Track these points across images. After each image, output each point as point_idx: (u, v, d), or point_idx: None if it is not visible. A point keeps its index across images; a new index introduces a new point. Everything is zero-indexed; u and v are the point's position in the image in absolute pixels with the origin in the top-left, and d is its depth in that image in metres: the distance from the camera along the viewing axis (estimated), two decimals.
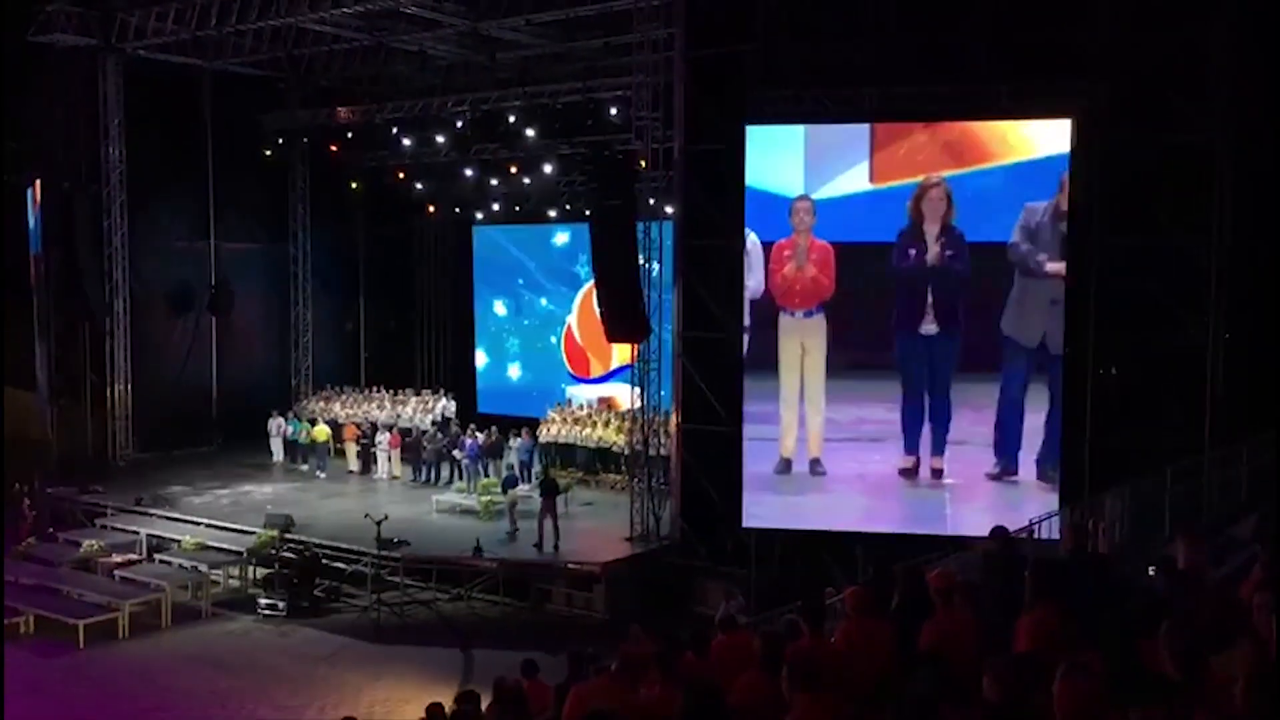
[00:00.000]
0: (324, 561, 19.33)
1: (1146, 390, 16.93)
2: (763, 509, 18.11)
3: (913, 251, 17.31)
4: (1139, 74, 16.39)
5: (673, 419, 20.14)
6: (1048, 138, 16.92)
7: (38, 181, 25.14)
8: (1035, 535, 11.80)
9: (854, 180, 17.56)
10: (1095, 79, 16.60)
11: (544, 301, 29.93)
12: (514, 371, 30.41)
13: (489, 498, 21.70)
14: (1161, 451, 13.98)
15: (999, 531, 8.19)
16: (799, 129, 18.03)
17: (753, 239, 18.05)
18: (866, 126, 17.66)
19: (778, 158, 17.96)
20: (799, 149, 17.92)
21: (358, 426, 26.10)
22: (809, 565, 16.37)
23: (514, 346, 30.51)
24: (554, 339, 29.62)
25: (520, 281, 30.32)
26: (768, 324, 18.15)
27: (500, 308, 30.69)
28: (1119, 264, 16.88)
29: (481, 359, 30.96)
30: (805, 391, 18.06)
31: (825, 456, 18.01)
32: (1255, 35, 15.89)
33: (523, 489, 22.35)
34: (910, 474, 17.57)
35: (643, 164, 19.91)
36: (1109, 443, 16.36)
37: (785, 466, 18.19)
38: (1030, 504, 16.10)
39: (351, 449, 25.81)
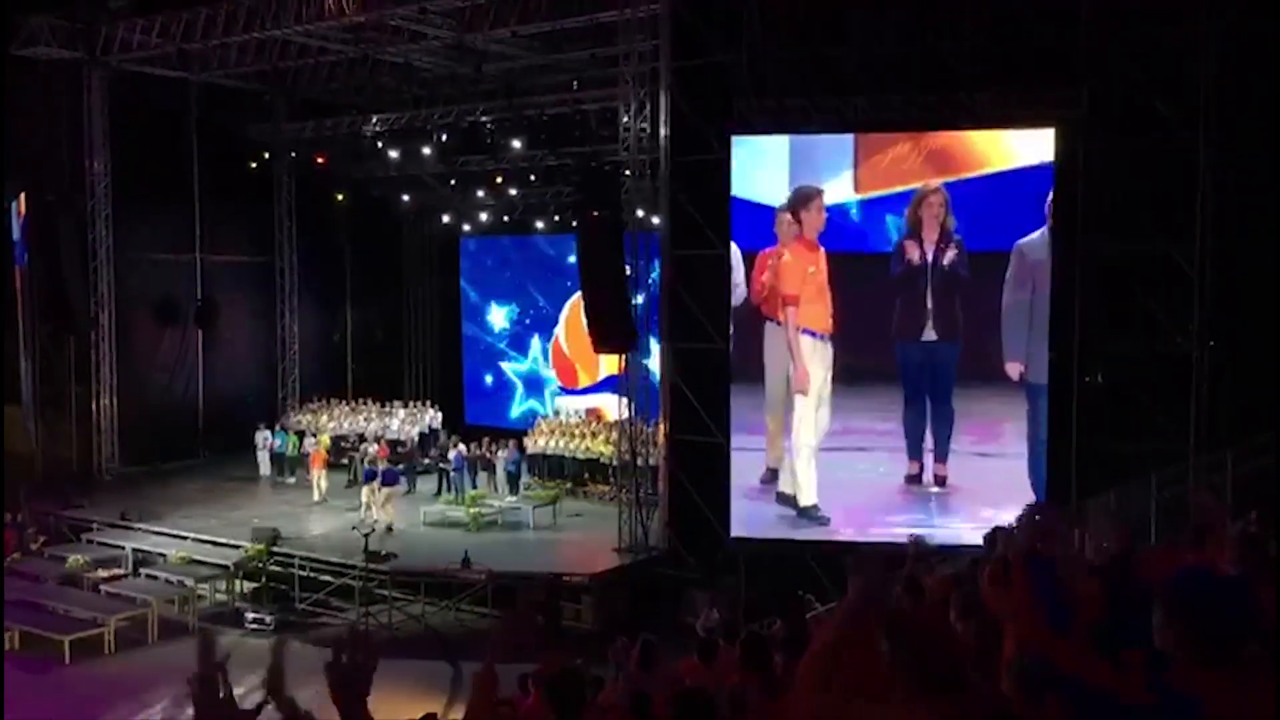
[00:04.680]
0: (312, 576, 19.28)
1: (1132, 397, 17.00)
2: (750, 518, 18.10)
3: (911, 258, 17.35)
4: (1123, 81, 16.50)
5: (661, 429, 20.14)
6: (1031, 147, 17.00)
7: (22, 194, 25.05)
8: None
9: (839, 190, 17.61)
10: (1079, 86, 16.68)
11: (531, 313, 29.94)
12: (501, 382, 30.39)
13: (477, 509, 21.68)
14: (1148, 458, 14.04)
15: (993, 536, 8.18)
16: (783, 139, 18.08)
17: (733, 249, 18.08)
18: (850, 137, 17.73)
19: (762, 168, 18.00)
20: (783, 159, 17.97)
21: (340, 443, 25.76)
22: (798, 575, 16.36)
23: (501, 357, 30.50)
24: (541, 350, 29.63)
25: (507, 293, 30.33)
26: (752, 333, 18.16)
27: (487, 319, 30.69)
28: (1104, 271, 16.97)
29: (468, 370, 30.95)
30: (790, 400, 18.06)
31: None
32: (1239, 41, 15.99)
33: (511, 500, 22.44)
34: (915, 480, 17.58)
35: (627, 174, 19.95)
36: (1095, 449, 16.40)
37: (771, 476, 18.18)
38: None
39: (319, 476, 23.94)
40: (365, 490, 21.83)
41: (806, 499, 17.78)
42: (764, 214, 17.83)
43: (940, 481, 17.46)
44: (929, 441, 17.46)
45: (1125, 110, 16.57)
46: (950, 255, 17.17)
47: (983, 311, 17.31)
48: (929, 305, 17.33)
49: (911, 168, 17.38)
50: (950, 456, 17.40)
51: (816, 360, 17.59)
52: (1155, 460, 13.80)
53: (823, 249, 17.49)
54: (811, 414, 17.63)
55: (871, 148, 17.58)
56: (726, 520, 18.19)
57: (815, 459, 17.70)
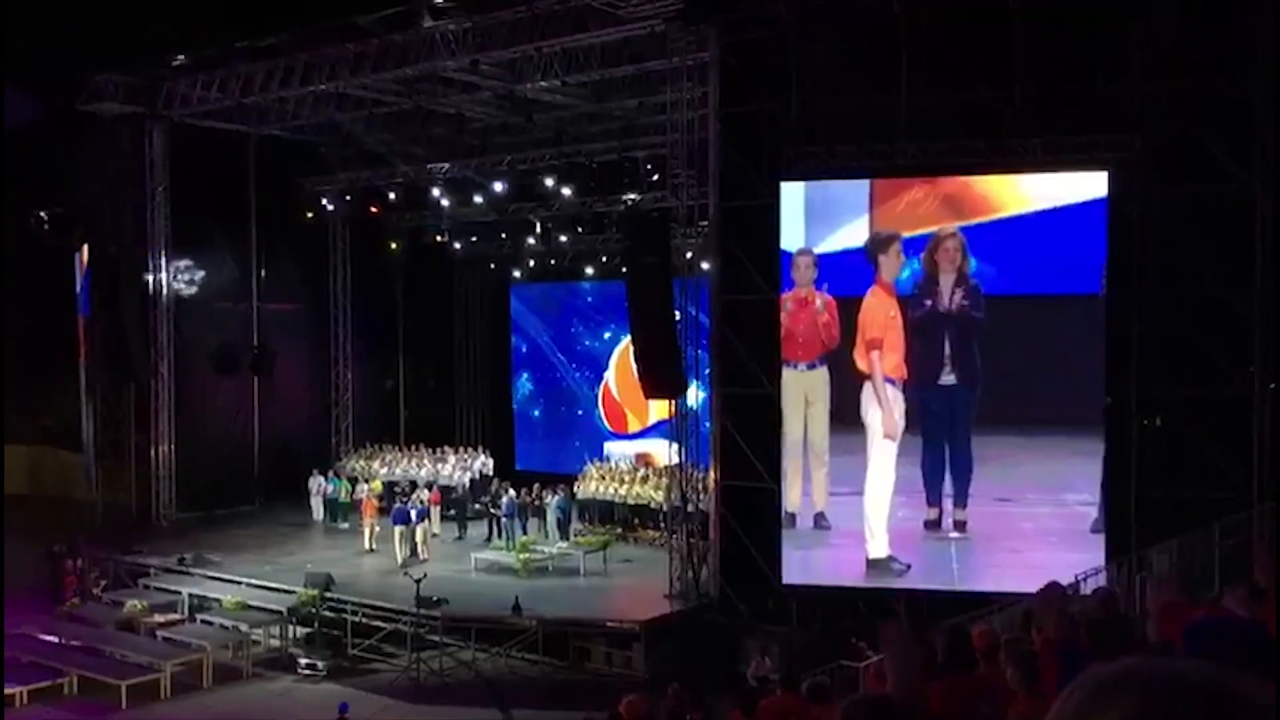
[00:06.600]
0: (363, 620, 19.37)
1: (1192, 443, 16.68)
2: (803, 564, 17.94)
3: (928, 302, 17.21)
4: (1177, 125, 16.35)
5: (711, 474, 20.05)
6: (1047, 191, 16.84)
7: (85, 246, 25.66)
8: (1079, 592, 11.60)
9: (854, 234, 17.54)
10: (1132, 132, 16.55)
11: (581, 358, 30.06)
12: (552, 427, 30.47)
13: (527, 555, 21.68)
14: (1209, 505, 13.76)
15: (1052, 588, 8.01)
16: (799, 185, 18.02)
17: None
18: (866, 182, 17.68)
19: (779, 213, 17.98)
20: (798, 204, 17.91)
21: (392, 489, 25.77)
22: (850, 623, 16.16)
23: (552, 403, 30.61)
24: (591, 395, 29.70)
25: (558, 338, 30.50)
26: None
27: (538, 365, 30.84)
28: (1160, 315, 16.73)
29: (519, 415, 31.08)
30: (809, 444, 17.90)
31: (829, 510, 17.83)
32: None
33: (562, 545, 22.48)
34: (934, 525, 17.33)
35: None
36: (1154, 496, 16.10)
37: (789, 520, 18.01)
38: (1054, 559, 15.64)
39: (370, 523, 23.57)
40: (398, 532, 22.06)
41: (878, 551, 17.47)
42: (781, 257, 17.81)
43: (960, 527, 17.18)
44: (948, 486, 17.21)
45: (1179, 155, 16.40)
46: (967, 299, 16.98)
47: (1002, 356, 17.07)
48: (946, 349, 17.12)
49: (927, 212, 17.25)
50: (969, 501, 17.13)
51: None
52: (1217, 507, 13.52)
53: (896, 295, 17.32)
54: (890, 462, 17.41)
55: (886, 192, 17.50)
56: (778, 566, 18.05)
57: (890, 508, 17.43)
